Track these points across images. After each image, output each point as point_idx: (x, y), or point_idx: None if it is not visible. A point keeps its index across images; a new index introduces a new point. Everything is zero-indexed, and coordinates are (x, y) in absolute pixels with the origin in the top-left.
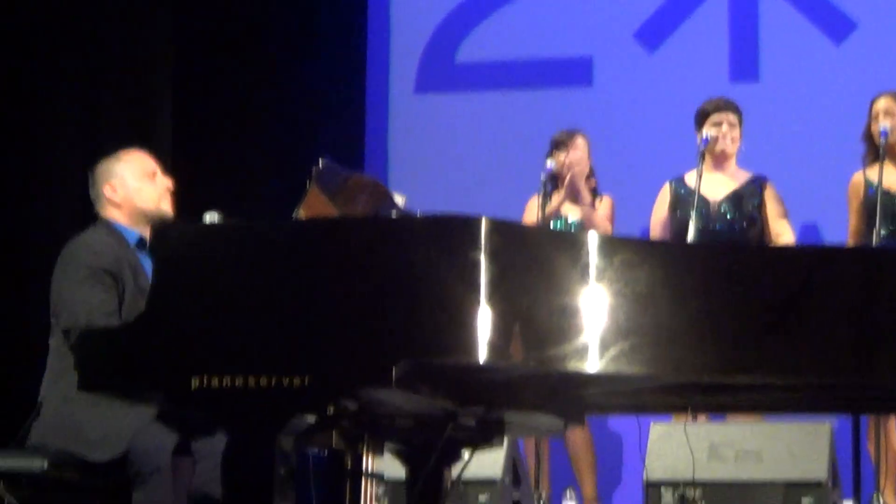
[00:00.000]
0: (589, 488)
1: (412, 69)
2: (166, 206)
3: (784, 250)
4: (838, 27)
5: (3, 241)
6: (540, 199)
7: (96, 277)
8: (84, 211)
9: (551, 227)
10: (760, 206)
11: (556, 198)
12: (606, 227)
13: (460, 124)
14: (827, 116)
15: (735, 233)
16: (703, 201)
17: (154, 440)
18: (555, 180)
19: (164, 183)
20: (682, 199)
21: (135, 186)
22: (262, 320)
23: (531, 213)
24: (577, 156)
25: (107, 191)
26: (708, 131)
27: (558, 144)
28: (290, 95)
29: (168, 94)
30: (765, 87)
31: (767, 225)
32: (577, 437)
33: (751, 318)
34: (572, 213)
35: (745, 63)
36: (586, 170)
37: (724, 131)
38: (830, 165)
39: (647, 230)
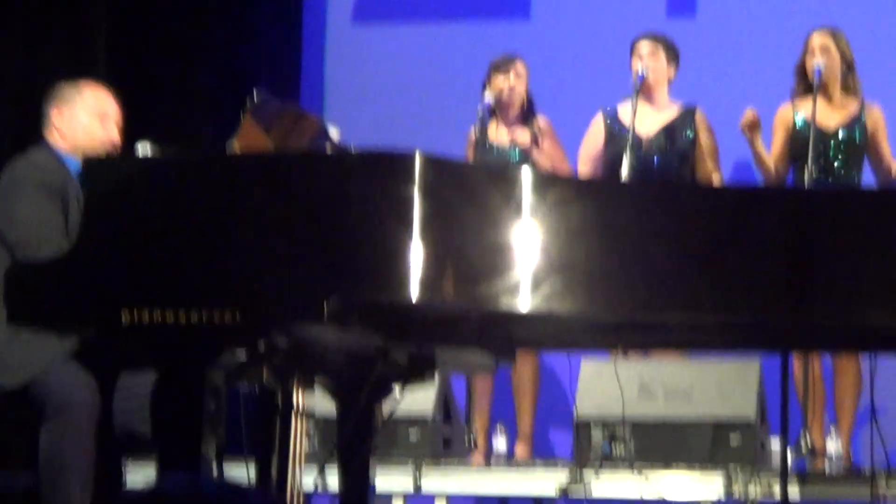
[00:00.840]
0: (525, 424)
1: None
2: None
3: (717, 190)
4: None
5: None
6: (477, 132)
7: (47, 195)
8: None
9: (501, 156)
10: (694, 138)
11: (499, 127)
12: (558, 148)
13: (398, 56)
14: (763, 53)
15: (668, 170)
16: (636, 137)
17: (66, 377)
18: (493, 111)
19: (112, 132)
20: (615, 134)
21: (83, 121)
22: (192, 254)
23: (469, 151)
24: (519, 82)
25: (54, 114)
26: (637, 65)
27: (498, 68)
28: (225, 25)
29: (103, 21)
30: (701, 23)
31: (699, 162)
32: (524, 370)
33: (682, 256)
34: (508, 140)
35: None
36: (524, 95)
37: (647, 62)
38: (766, 101)
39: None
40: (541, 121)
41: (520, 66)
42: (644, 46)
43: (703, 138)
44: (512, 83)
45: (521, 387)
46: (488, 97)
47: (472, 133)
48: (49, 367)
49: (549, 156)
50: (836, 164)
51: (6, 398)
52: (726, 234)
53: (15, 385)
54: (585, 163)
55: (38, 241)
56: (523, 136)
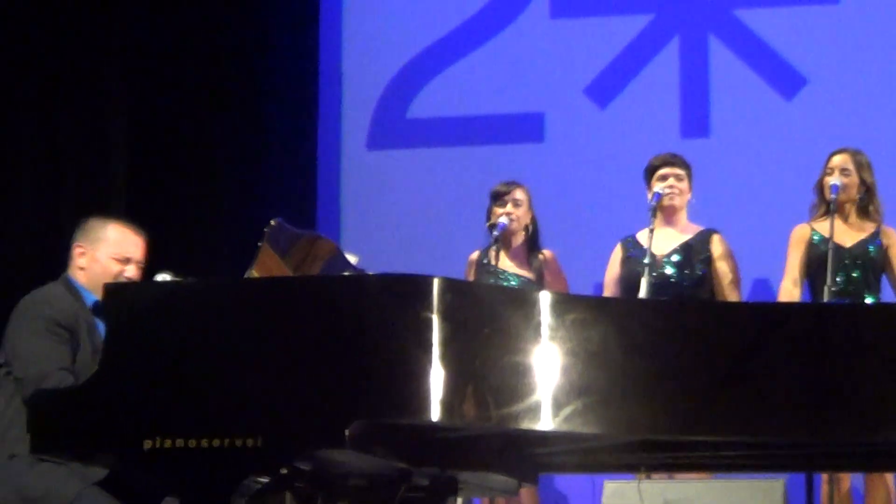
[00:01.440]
0: None
1: (364, 125)
2: None
3: (735, 306)
4: (789, 83)
5: None
6: (494, 254)
7: (53, 330)
8: (41, 265)
9: (501, 281)
10: (709, 261)
11: (503, 252)
12: (562, 282)
13: (413, 180)
14: (778, 172)
15: (684, 287)
16: (652, 256)
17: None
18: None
19: (133, 274)
20: (632, 256)
21: (102, 262)
22: (214, 381)
23: (471, 271)
24: (521, 210)
25: (77, 252)
26: (656, 186)
27: (496, 198)
28: (242, 154)
29: (123, 155)
30: (716, 142)
31: (717, 287)
32: (524, 495)
33: (703, 375)
34: (512, 268)
35: (696, 119)
36: (527, 221)
37: (670, 184)
38: (781, 220)
39: (598, 287)
40: (546, 254)
41: (518, 194)
42: (668, 168)
43: (721, 264)
44: (510, 211)
45: None
46: (501, 220)
47: (475, 255)
48: (77, 497)
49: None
50: (854, 274)
51: None
52: (747, 352)
53: None
54: (608, 288)
55: (37, 377)
56: (526, 266)
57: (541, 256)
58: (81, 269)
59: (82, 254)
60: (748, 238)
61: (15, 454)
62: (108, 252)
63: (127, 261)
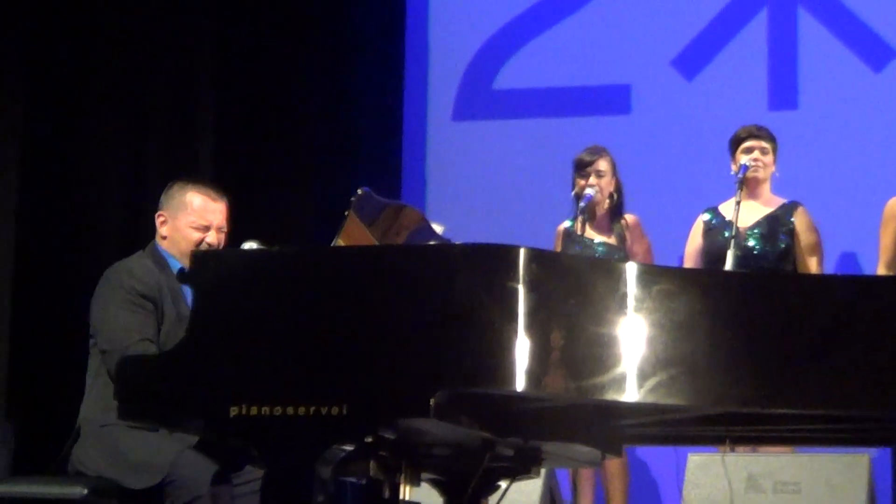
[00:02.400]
0: None
1: (450, 97)
2: None
3: (823, 279)
4: (878, 54)
5: (49, 261)
6: (579, 225)
7: (135, 301)
8: (129, 235)
9: (588, 251)
10: (792, 233)
11: (589, 222)
12: (645, 246)
13: (498, 152)
14: (866, 144)
15: (767, 259)
16: (737, 229)
17: (193, 468)
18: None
19: (214, 240)
20: (714, 227)
21: (182, 231)
22: (300, 349)
23: (558, 242)
24: (605, 180)
25: (158, 219)
26: (742, 158)
27: (579, 168)
28: (329, 124)
29: (210, 125)
30: (803, 114)
31: (800, 261)
32: (613, 466)
33: (791, 348)
34: (597, 237)
35: (783, 91)
36: (611, 190)
37: (755, 157)
38: (869, 193)
39: (683, 259)
40: (629, 218)
41: (601, 164)
42: (753, 141)
43: (805, 237)
44: (592, 183)
45: (609, 479)
46: (588, 191)
47: (563, 225)
48: (174, 461)
49: (635, 255)
50: None
51: (132, 495)
52: (836, 324)
53: (147, 485)
54: (688, 259)
55: (120, 349)
56: (609, 232)
57: (623, 221)
58: (164, 237)
59: (164, 222)
60: (835, 212)
61: (106, 424)
62: (188, 220)
63: (206, 228)
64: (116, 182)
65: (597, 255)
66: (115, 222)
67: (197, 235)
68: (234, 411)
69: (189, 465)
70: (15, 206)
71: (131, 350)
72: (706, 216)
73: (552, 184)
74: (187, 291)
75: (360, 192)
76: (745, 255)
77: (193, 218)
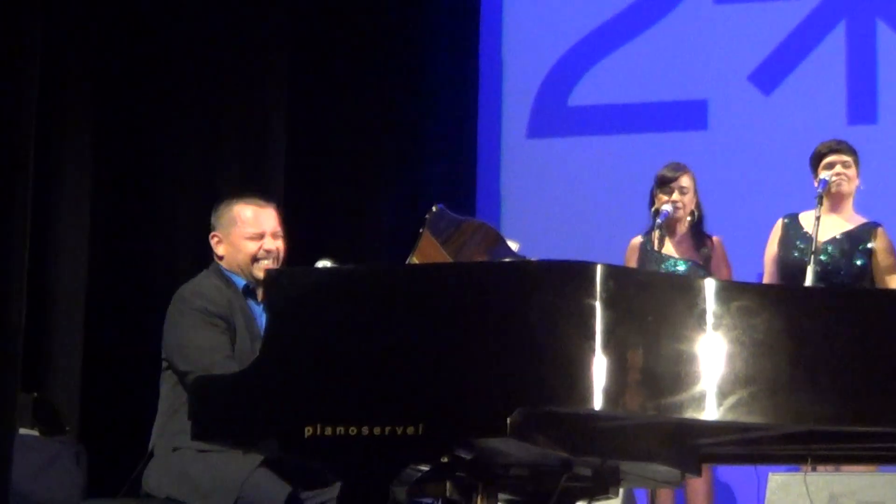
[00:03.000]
0: None
1: (524, 114)
2: (258, 272)
3: None
4: None
5: (122, 280)
6: (658, 240)
7: (209, 321)
8: (199, 251)
9: (667, 267)
10: (870, 253)
11: (667, 238)
12: (727, 269)
13: (573, 169)
14: None
15: (842, 277)
16: (815, 244)
17: (265, 490)
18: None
19: (272, 245)
20: (791, 239)
21: (237, 245)
22: (374, 368)
23: (633, 257)
24: (687, 197)
25: (213, 241)
26: (823, 174)
27: (661, 184)
28: (402, 142)
29: (282, 141)
30: (883, 129)
31: (876, 278)
32: (697, 485)
33: (873, 364)
34: (676, 254)
35: (862, 105)
36: (692, 208)
37: (838, 171)
38: None
39: (762, 276)
40: (715, 240)
41: (684, 181)
42: (835, 156)
43: (883, 259)
44: (675, 199)
45: (694, 500)
46: (665, 208)
47: (637, 240)
48: (245, 482)
49: (717, 276)
50: None
51: None
52: None
53: None
54: (766, 265)
55: (204, 368)
56: (693, 251)
57: (709, 242)
58: (221, 257)
59: (219, 242)
60: None
61: (177, 447)
62: (242, 233)
63: (260, 236)
64: (189, 198)
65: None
66: (188, 240)
67: (253, 245)
68: (308, 432)
69: (260, 486)
70: (88, 227)
71: (217, 368)
72: (785, 220)
73: (627, 201)
74: (255, 309)
75: (434, 209)
76: (819, 271)
77: (246, 229)
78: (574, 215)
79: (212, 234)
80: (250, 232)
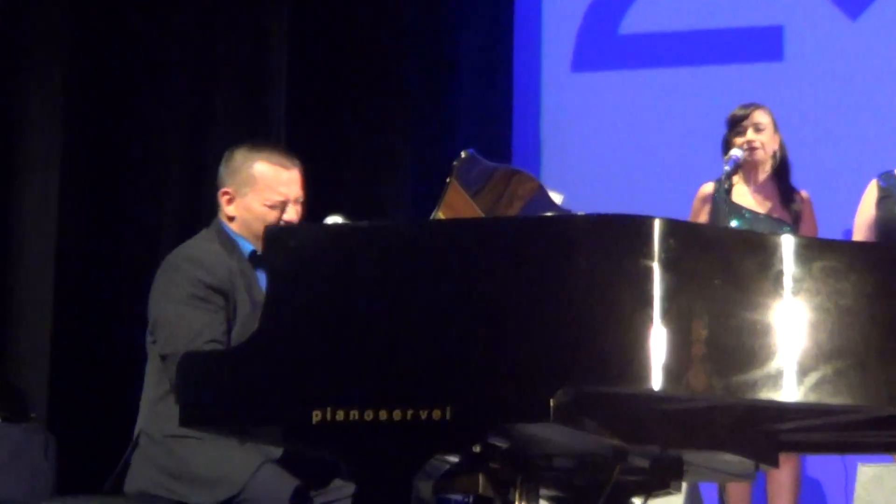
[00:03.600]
0: None
1: (568, 44)
2: None
3: None
4: None
5: (97, 243)
6: (716, 187)
7: (203, 296)
8: (188, 213)
9: (735, 226)
10: None
11: (743, 187)
12: (811, 227)
13: (625, 107)
14: None
15: None
16: None
17: (269, 484)
18: (738, 167)
19: (293, 215)
20: (889, 196)
21: (254, 211)
22: (393, 341)
23: (703, 208)
24: (765, 136)
25: (223, 198)
26: None
27: (733, 124)
28: (424, 77)
29: (282, 76)
30: None
31: None
32: (782, 475)
33: None
34: (761, 208)
35: None
36: (774, 149)
37: None
38: None
39: (848, 233)
40: (804, 194)
41: (759, 116)
42: None
43: None
44: (751, 139)
45: (778, 495)
46: (735, 153)
47: (708, 188)
48: (252, 477)
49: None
50: None
51: None
52: None
53: (218, 501)
54: (858, 231)
55: (184, 349)
56: (777, 204)
57: (798, 197)
58: (231, 218)
59: (230, 200)
60: None
61: (171, 434)
62: (261, 198)
63: (283, 204)
64: (176, 146)
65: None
66: (175, 196)
67: (273, 214)
68: (316, 416)
69: (267, 479)
70: (57, 198)
71: (195, 351)
72: (880, 181)
73: (688, 144)
74: (261, 276)
75: (463, 155)
76: None
77: (267, 195)
78: (627, 162)
79: (222, 189)
80: (272, 199)
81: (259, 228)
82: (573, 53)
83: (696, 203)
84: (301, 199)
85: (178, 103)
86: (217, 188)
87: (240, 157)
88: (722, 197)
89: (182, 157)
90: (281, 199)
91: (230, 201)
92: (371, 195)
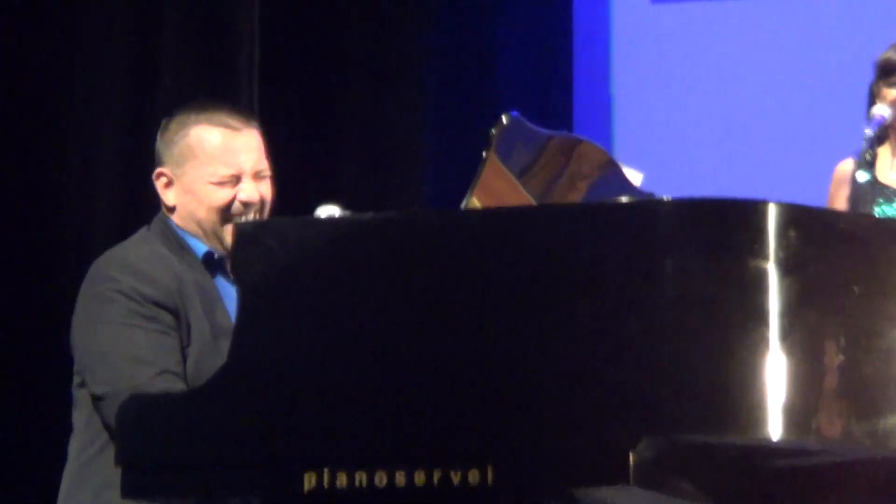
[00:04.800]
0: None
1: None
2: (230, 236)
3: None
4: None
5: (22, 244)
6: (856, 164)
7: (145, 313)
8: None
9: (880, 213)
10: None
11: (882, 165)
12: None
13: (728, 47)
14: None
15: None
16: None
17: None
18: (885, 134)
19: (253, 193)
20: None
21: (197, 192)
22: (414, 377)
23: (840, 192)
24: None
25: (158, 181)
26: None
27: (889, 71)
28: (444, 18)
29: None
30: None
31: None
32: None
33: None
34: None
35: None
36: None
37: None
38: None
39: None
40: None
41: None
42: None
43: None
44: None
45: None
46: (880, 111)
47: (847, 166)
48: None
49: None
50: None
51: None
52: None
53: None
54: None
55: (125, 389)
56: None
57: None
58: (171, 208)
59: (168, 184)
60: None
61: (109, 485)
62: (204, 172)
63: (236, 179)
64: (109, 126)
65: None
66: (107, 187)
67: (224, 194)
68: (309, 481)
69: None
70: None
71: (143, 391)
72: None
73: (808, 98)
74: (224, 289)
75: (504, 119)
76: None
77: (211, 167)
78: (730, 125)
79: (157, 171)
80: (220, 173)
81: (208, 218)
82: None
83: (832, 188)
84: (266, 174)
85: (112, 69)
86: (155, 167)
87: (175, 123)
88: (867, 172)
89: (117, 137)
90: (231, 171)
91: (168, 185)
92: (376, 177)
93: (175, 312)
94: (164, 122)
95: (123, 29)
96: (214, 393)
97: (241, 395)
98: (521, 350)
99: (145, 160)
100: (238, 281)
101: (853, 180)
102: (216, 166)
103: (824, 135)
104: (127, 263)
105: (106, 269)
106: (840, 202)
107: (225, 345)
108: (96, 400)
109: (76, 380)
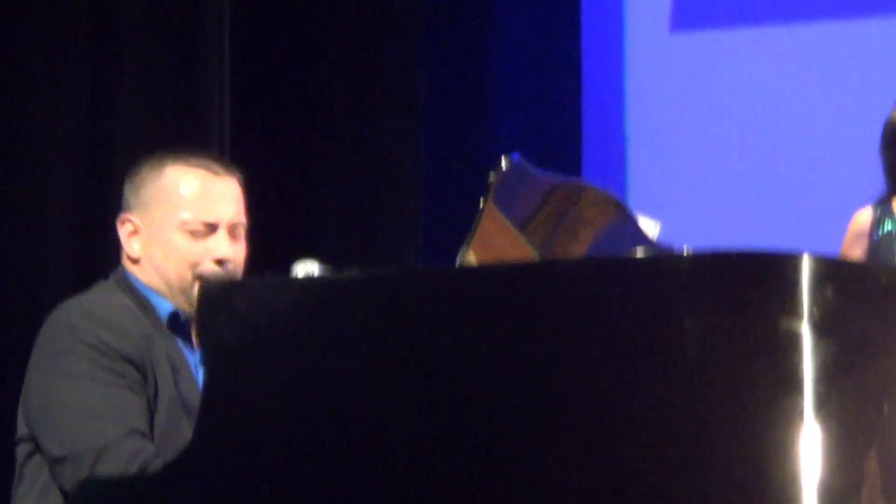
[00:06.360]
0: None
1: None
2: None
3: None
4: None
5: None
6: (877, 210)
7: (109, 366)
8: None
9: None
10: None
11: None
12: None
13: (741, 79)
14: None
15: None
16: None
17: None
18: None
19: (228, 251)
20: None
21: (167, 241)
22: (395, 451)
23: (858, 240)
24: None
25: (123, 228)
26: None
27: None
28: (444, 45)
29: (221, 64)
30: None
31: None
32: None
33: None
34: None
35: None
36: None
37: None
38: None
39: None
40: None
41: None
42: None
43: None
44: None
45: None
46: None
47: (865, 215)
48: None
49: None
50: None
51: None
52: None
53: None
54: None
55: (89, 454)
56: None
57: None
58: (135, 260)
59: (133, 232)
60: None
61: None
62: (173, 218)
63: (211, 228)
64: (64, 165)
65: None
66: (62, 239)
67: (195, 248)
68: None
69: None
70: None
71: (109, 456)
72: None
73: (829, 130)
74: (189, 355)
75: (503, 163)
76: None
77: (185, 213)
78: (758, 167)
79: (121, 216)
80: (193, 220)
81: (177, 273)
82: (671, 8)
83: (848, 236)
84: (242, 232)
85: (66, 107)
86: (121, 214)
87: (148, 167)
88: (890, 220)
89: (73, 177)
90: (207, 219)
91: (133, 233)
92: (361, 230)
93: (143, 371)
94: (134, 167)
95: (77, 73)
96: (180, 475)
97: (209, 478)
98: (520, 424)
99: (101, 209)
100: (204, 349)
101: (873, 230)
102: (191, 212)
103: (858, 172)
104: (91, 313)
105: (67, 318)
106: (856, 252)
107: (190, 418)
108: (54, 463)
109: (23, 450)
